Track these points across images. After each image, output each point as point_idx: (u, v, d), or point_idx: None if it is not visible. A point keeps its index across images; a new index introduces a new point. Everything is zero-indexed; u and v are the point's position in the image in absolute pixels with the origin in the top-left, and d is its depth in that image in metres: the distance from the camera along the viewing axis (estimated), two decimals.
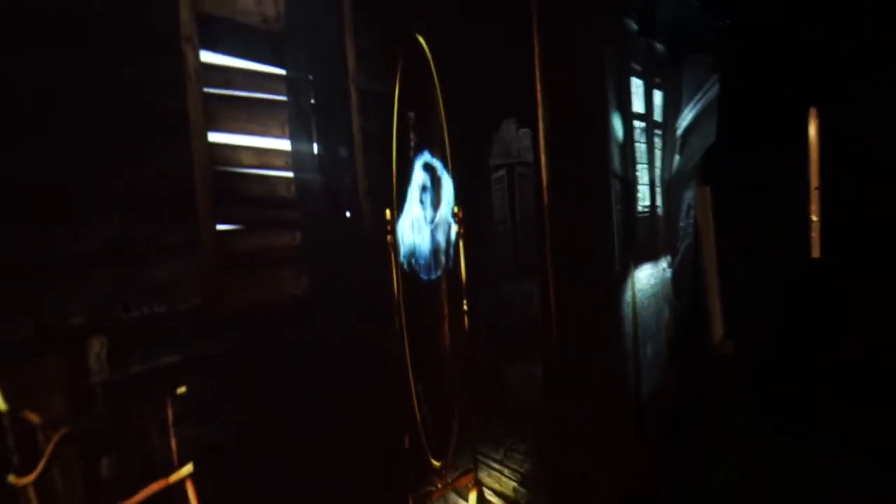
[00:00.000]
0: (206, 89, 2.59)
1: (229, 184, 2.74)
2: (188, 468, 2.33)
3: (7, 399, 1.89)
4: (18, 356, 1.98)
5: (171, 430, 2.31)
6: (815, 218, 6.46)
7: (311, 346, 3.05)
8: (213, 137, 2.64)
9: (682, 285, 5.95)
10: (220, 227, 2.67)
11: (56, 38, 2.13)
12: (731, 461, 3.87)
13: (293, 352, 2.99)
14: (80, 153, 2.17)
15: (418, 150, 3.12)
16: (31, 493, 1.90)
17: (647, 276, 5.19)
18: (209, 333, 2.58)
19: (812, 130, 6.44)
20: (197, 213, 2.52)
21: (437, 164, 3.13)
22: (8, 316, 1.97)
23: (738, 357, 6.19)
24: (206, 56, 2.62)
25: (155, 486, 2.23)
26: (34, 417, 1.97)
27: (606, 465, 3.51)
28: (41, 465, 1.92)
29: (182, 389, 2.34)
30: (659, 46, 5.47)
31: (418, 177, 3.10)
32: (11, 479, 1.89)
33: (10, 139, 2.00)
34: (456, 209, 3.07)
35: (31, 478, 1.90)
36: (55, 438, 1.96)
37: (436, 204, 3.17)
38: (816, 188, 6.45)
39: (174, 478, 2.29)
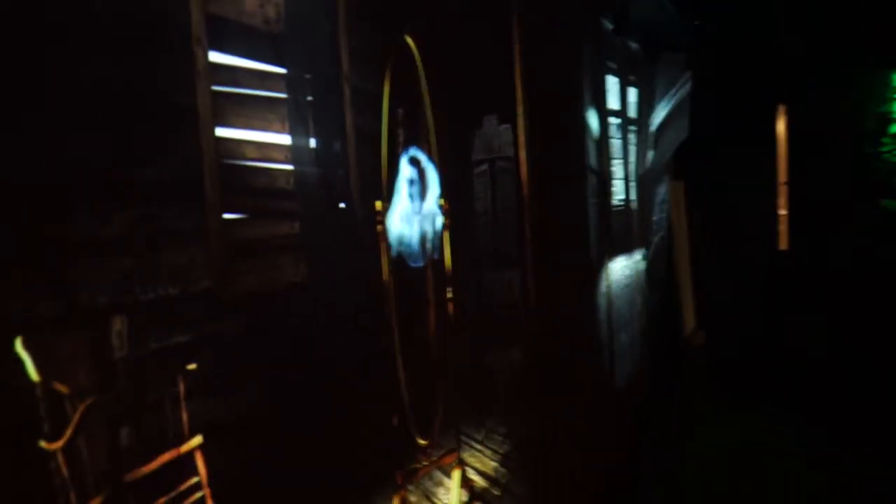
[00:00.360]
0: (214, 87, 2.87)
1: (234, 176, 3.04)
2: (198, 439, 2.59)
3: (39, 371, 2.14)
4: (50, 332, 2.24)
5: (183, 404, 2.57)
6: (783, 212, 6.83)
7: (307, 327, 3.35)
8: (220, 132, 2.94)
9: (656, 277, 6.22)
10: (226, 216, 2.97)
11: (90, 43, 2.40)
12: (702, 450, 4.08)
13: (292, 332, 3.28)
14: (104, 148, 2.44)
15: (406, 145, 3.32)
16: (60, 458, 2.15)
17: (621, 268, 5.45)
18: (217, 314, 2.87)
19: (780, 127, 6.80)
20: (206, 203, 2.80)
21: (423, 158, 3.32)
22: (43, 295, 2.23)
23: (709, 347, 6.47)
24: (214, 55, 2.90)
25: (168, 456, 2.49)
26: (63, 388, 2.21)
27: (584, 452, 3.79)
28: (69, 432, 2.15)
29: (193, 366, 2.60)
30: (634, 45, 5.78)
31: (406, 170, 3.31)
32: (42, 444, 2.13)
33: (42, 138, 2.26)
34: (442, 201, 3.29)
35: (59, 444, 2.13)
36: (81, 408, 2.18)
37: (423, 196, 3.39)
38: (784, 183, 6.82)
39: (185, 448, 2.55)
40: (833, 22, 6.32)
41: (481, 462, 3.78)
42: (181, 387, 2.57)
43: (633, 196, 5.91)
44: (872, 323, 5.75)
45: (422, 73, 3.21)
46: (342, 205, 3.64)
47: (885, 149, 6.77)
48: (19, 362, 2.10)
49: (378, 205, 3.01)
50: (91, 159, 2.40)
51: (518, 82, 4.40)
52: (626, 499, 3.56)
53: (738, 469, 3.75)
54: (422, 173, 3.31)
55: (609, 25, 5.23)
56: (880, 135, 6.86)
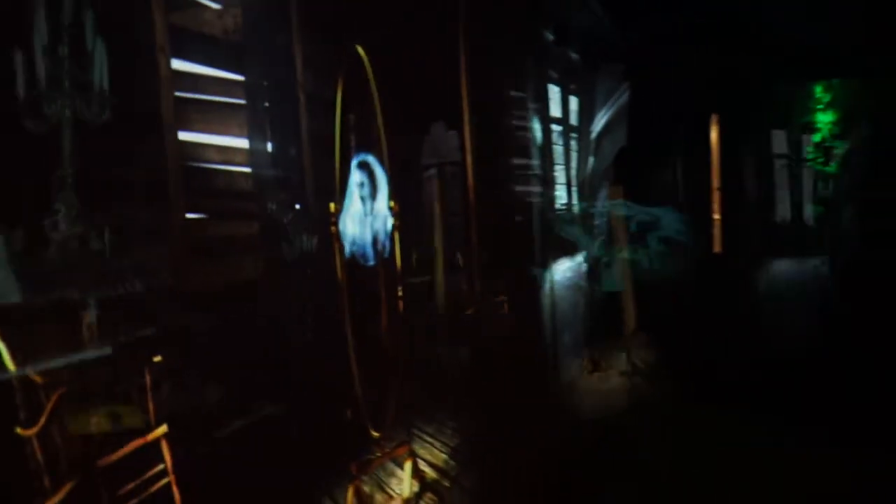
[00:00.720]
0: (177, 93, 3.12)
1: (196, 178, 3.30)
2: (163, 428, 2.79)
3: (15, 362, 2.34)
4: (26, 325, 2.44)
5: (149, 394, 2.78)
6: (716, 216, 7.37)
7: (265, 323, 3.59)
8: (183, 136, 3.20)
9: (597, 279, 6.56)
10: (189, 215, 3.21)
11: None
12: (646, 448, 4.19)
13: (250, 328, 3.52)
14: (78, 150, 2.65)
15: (358, 150, 3.56)
16: (35, 444, 2.33)
17: (564, 270, 5.80)
18: (180, 309, 3.09)
19: (713, 136, 7.35)
20: (169, 203, 3.04)
21: (374, 162, 3.54)
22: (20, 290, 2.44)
23: (649, 348, 6.82)
24: (176, 63, 3.15)
25: (135, 443, 2.69)
26: (37, 378, 2.41)
27: (530, 449, 3.99)
28: (42, 420, 2.35)
29: (158, 358, 2.81)
30: (574, 56, 6.20)
31: (357, 174, 3.54)
32: (18, 431, 2.32)
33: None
34: (392, 203, 3.53)
35: (34, 431, 2.32)
36: (54, 397, 2.38)
37: (373, 198, 3.62)
38: (717, 189, 7.37)
39: (151, 436, 2.75)
40: (763, 37, 6.85)
41: (432, 454, 4.03)
42: (147, 378, 2.78)
43: (575, 200, 6.29)
44: (806, 324, 6.23)
45: (372, 80, 3.44)
46: (298, 206, 3.90)
47: (810, 157, 7.41)
48: None
49: (332, 206, 3.22)
50: (64, 159, 2.62)
51: (464, 90, 4.73)
52: (575, 498, 3.65)
53: (683, 466, 3.87)
54: (372, 177, 3.53)
55: (550, 36, 5.62)
56: (806, 143, 7.49)
